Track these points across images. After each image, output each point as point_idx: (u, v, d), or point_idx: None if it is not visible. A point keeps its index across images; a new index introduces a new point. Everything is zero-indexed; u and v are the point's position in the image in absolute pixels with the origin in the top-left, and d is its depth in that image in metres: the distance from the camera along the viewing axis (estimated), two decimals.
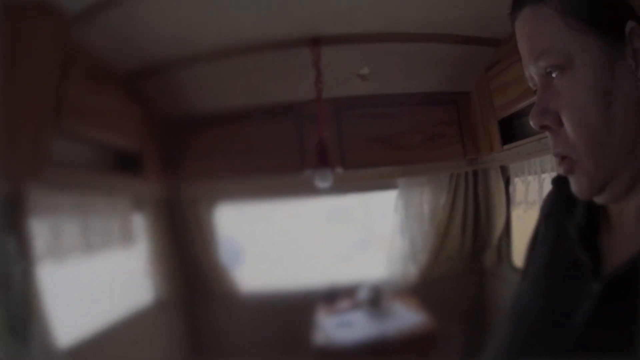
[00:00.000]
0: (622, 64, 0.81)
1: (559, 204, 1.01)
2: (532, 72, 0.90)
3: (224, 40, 2.71)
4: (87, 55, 2.58)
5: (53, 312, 1.91)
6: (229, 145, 3.03)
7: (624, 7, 0.82)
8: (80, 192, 2.49)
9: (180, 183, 3.11)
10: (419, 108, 3.19)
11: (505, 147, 2.91)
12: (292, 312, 3.21)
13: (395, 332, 2.88)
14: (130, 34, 2.62)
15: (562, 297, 0.91)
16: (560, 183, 0.98)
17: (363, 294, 3.11)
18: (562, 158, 0.87)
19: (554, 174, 1.23)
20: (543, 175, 2.93)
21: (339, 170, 2.54)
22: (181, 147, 3.07)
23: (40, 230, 2.14)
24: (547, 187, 1.14)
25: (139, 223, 2.94)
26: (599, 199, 0.90)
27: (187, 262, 3.27)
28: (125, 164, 2.84)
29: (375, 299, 3.08)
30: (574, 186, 0.89)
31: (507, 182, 3.26)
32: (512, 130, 2.94)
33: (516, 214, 3.32)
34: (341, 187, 3.21)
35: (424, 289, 3.36)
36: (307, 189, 3.15)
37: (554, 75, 0.85)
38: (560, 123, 0.85)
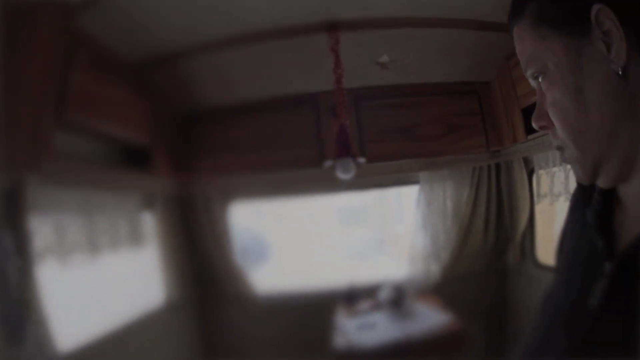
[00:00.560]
0: (591, 52, 0.85)
1: (581, 195, 1.05)
2: (527, 77, 0.99)
3: (237, 27, 2.45)
4: (93, 44, 2.33)
5: (54, 315, 1.69)
6: (243, 139, 2.74)
7: None
8: (85, 188, 2.22)
9: (192, 179, 2.83)
10: (440, 98, 2.94)
11: (530, 137, 2.67)
12: (310, 314, 2.93)
13: (420, 333, 2.62)
14: (139, 21, 2.37)
15: (582, 281, 0.93)
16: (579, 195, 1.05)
17: (385, 294, 2.85)
18: (560, 150, 0.95)
19: None
20: (569, 166, 2.71)
21: (362, 160, 2.29)
22: (193, 142, 2.78)
23: (41, 227, 1.90)
24: (574, 177, 1.06)
25: (149, 222, 2.71)
26: (602, 183, 0.94)
27: (200, 263, 3.00)
28: (134, 159, 2.55)
29: (398, 299, 2.82)
30: (574, 173, 0.96)
31: (530, 175, 3.03)
32: None
33: (540, 208, 3.09)
34: (360, 182, 2.98)
35: (445, 288, 3.11)
36: (325, 185, 2.90)
37: (540, 80, 0.93)
38: (552, 121, 0.92)
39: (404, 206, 3.88)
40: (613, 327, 0.82)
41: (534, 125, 0.97)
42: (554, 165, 2.75)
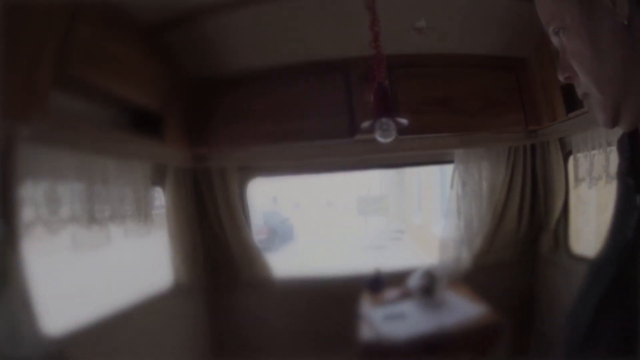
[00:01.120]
0: (601, 6, 0.93)
1: (624, 159, 1.06)
2: (550, 35, 1.02)
3: None
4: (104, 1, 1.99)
5: (39, 293, 1.42)
6: (265, 107, 2.34)
7: None
8: (85, 152, 1.83)
9: (208, 150, 2.44)
10: (478, 71, 2.58)
11: (570, 114, 2.34)
12: (333, 302, 2.57)
13: (454, 325, 2.28)
14: None
15: (622, 223, 0.97)
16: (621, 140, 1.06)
17: (415, 282, 2.50)
18: (585, 98, 0.98)
19: None
20: (610, 148, 2.41)
21: (403, 121, 1.91)
22: (209, 109, 2.38)
23: (33, 194, 1.55)
24: (615, 160, 1.09)
25: (158, 196, 2.36)
26: (624, 126, 0.98)
27: (213, 243, 2.67)
28: (144, 125, 2.16)
29: (430, 287, 2.47)
30: (598, 120, 0.99)
31: (566, 159, 2.71)
32: (576, 96, 2.38)
33: (576, 194, 2.78)
34: (392, 159, 2.63)
35: (475, 276, 2.79)
36: (354, 161, 2.55)
37: (560, 35, 0.97)
38: (575, 71, 0.98)
39: (423, 196, 3.60)
40: None
41: (560, 76, 1.00)
42: (593, 148, 2.45)
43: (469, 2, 2.37)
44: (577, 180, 2.56)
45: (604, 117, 1.00)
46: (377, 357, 2.29)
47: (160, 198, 2.32)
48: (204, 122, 2.33)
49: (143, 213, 2.17)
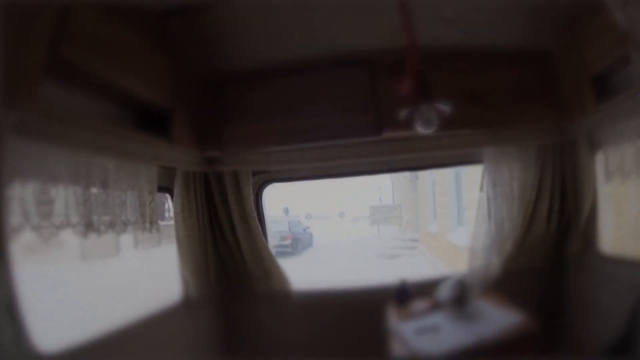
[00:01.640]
0: None
1: None
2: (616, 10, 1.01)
3: None
4: None
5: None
6: (282, 104, 2.06)
7: None
8: (82, 150, 1.54)
9: (220, 151, 2.16)
10: (506, 64, 2.35)
11: (600, 106, 2.11)
12: (356, 316, 2.29)
13: (493, 336, 2.01)
14: None
15: None
16: None
17: (445, 292, 2.22)
18: None
19: None
20: None
21: (445, 108, 1.64)
22: (222, 106, 2.10)
23: (21, 194, 1.26)
24: None
25: (164, 201, 2.06)
26: None
27: (225, 253, 2.37)
28: (149, 122, 1.87)
29: (461, 297, 2.20)
30: None
31: (594, 155, 2.49)
32: (607, 88, 2.18)
33: (605, 192, 2.56)
34: (417, 160, 2.36)
35: (505, 282, 2.52)
36: (381, 159, 2.27)
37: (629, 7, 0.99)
38: None
39: (438, 204, 3.39)
40: None
41: (635, 55, 1.04)
42: (624, 142, 2.23)
43: None
44: (608, 175, 2.36)
45: None
46: None
47: (167, 203, 2.03)
48: (216, 121, 2.05)
49: (148, 220, 1.86)
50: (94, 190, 1.57)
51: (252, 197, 2.21)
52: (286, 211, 3.54)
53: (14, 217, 1.25)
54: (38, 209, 1.29)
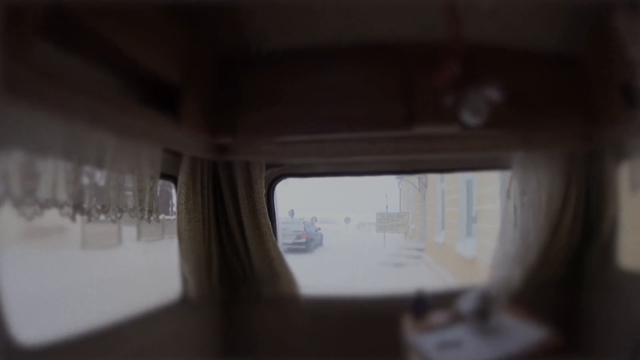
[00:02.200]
0: None
1: None
2: None
3: None
4: None
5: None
6: (303, 90, 1.82)
7: None
8: (77, 122, 1.28)
9: (232, 138, 1.90)
10: (538, 65, 2.17)
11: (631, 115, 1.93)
12: (369, 326, 2.07)
13: (520, 351, 1.77)
14: None
15: None
16: None
17: (468, 304, 1.99)
18: None
19: None
20: None
21: (494, 94, 1.42)
22: (238, 88, 1.86)
23: (3, 164, 1.00)
24: None
25: (167, 188, 1.80)
26: None
27: (232, 251, 2.11)
28: (156, 99, 1.61)
29: (485, 310, 1.98)
30: None
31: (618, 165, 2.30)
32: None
33: (629, 206, 2.37)
34: (443, 162, 2.12)
35: (527, 294, 2.30)
36: (406, 157, 2.03)
37: None
38: None
39: (447, 213, 3.21)
40: None
41: None
42: None
43: None
44: (635, 185, 2.17)
45: None
46: None
47: (170, 190, 1.77)
48: (231, 103, 1.80)
49: (146, 209, 1.60)
50: (87, 168, 1.32)
51: (264, 192, 1.97)
52: (292, 213, 3.50)
53: None
54: (22, 181, 1.04)
